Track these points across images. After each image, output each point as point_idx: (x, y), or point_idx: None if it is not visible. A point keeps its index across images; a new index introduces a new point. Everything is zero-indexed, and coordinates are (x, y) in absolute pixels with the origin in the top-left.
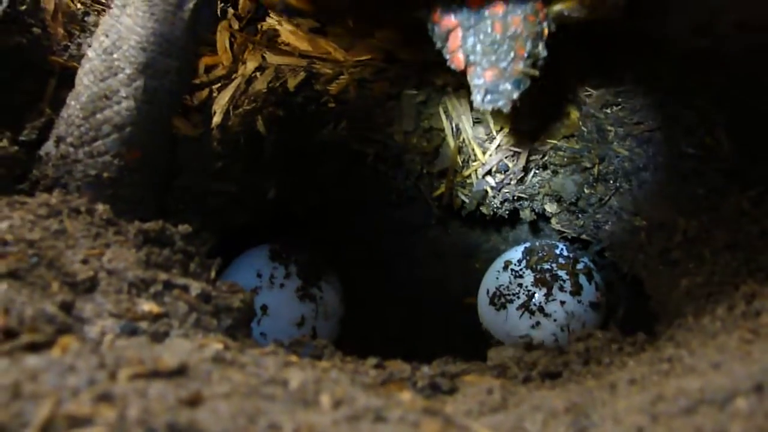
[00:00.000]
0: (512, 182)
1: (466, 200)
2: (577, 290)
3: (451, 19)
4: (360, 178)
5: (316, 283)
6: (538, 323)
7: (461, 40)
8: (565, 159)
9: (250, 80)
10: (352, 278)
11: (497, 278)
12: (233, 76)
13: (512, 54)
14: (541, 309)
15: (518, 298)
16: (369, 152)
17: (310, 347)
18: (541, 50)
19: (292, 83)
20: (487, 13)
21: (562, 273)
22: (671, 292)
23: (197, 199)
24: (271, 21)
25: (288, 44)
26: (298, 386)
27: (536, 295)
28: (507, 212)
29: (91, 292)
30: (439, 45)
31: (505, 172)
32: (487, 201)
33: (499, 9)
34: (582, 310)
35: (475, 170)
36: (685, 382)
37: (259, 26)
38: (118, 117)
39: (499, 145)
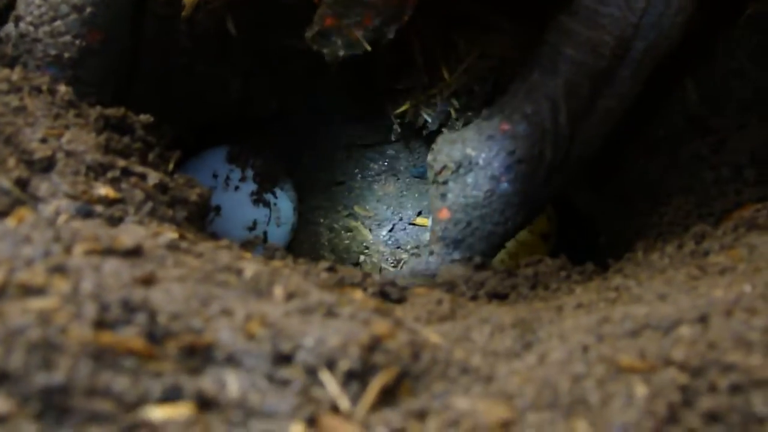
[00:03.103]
0: (477, 105)
1: (429, 120)
2: None
3: None
4: (325, 89)
5: (271, 188)
6: None
7: None
8: None
9: None
10: (308, 188)
11: None
12: None
13: (359, 18)
14: None
15: None
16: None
17: (261, 248)
18: (389, 32)
19: None
20: None
21: None
22: (623, 230)
23: (161, 93)
24: None
25: None
26: (252, 275)
27: None
28: None
29: (47, 172)
30: None
31: (470, 94)
32: (450, 123)
33: None
34: (531, 240)
35: (441, 90)
36: (632, 309)
37: None
38: None
39: (466, 69)
